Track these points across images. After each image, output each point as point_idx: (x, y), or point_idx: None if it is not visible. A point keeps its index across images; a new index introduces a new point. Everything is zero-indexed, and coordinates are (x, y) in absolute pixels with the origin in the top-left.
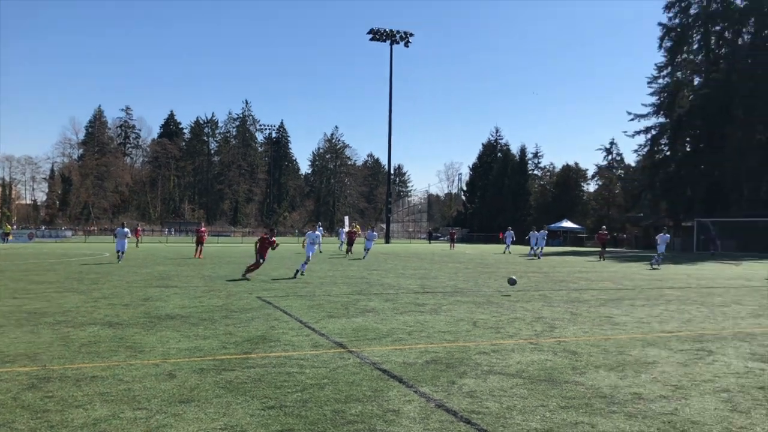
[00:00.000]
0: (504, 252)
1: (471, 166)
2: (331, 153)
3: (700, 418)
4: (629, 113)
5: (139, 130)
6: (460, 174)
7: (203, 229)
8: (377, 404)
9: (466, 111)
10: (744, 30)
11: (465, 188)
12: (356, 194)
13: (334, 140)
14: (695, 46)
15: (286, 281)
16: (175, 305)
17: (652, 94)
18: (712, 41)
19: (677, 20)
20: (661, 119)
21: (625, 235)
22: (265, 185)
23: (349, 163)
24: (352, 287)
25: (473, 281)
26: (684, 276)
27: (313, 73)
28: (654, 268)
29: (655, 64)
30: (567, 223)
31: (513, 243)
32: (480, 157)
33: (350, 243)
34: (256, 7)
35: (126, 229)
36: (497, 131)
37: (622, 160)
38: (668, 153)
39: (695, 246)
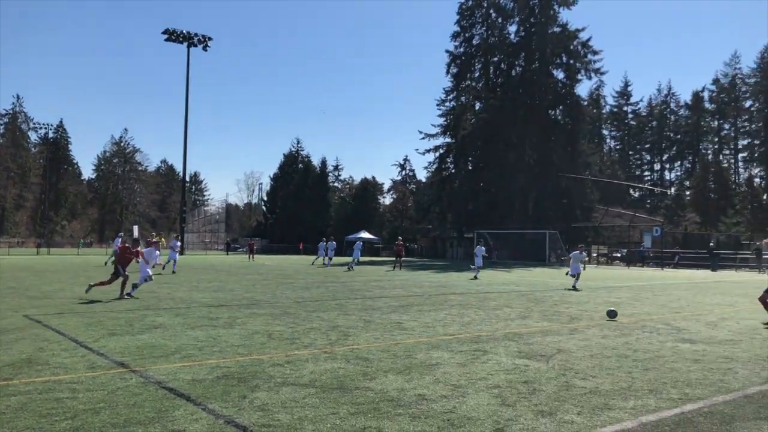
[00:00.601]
0: (316, 263)
1: (272, 177)
2: (120, 157)
3: (474, 414)
4: (421, 132)
5: None
6: (261, 184)
7: None
8: (161, 425)
9: (268, 120)
10: (516, 62)
11: (266, 198)
12: (147, 202)
13: (123, 143)
14: (477, 74)
15: (61, 298)
16: None
17: (440, 115)
18: (491, 70)
19: (462, 49)
20: (448, 139)
21: (416, 245)
22: (39, 190)
23: (140, 168)
24: (138, 302)
25: (271, 293)
26: (465, 282)
27: (98, 70)
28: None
29: (444, 89)
30: (365, 234)
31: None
32: (281, 168)
33: None
34: None
35: None
36: (298, 142)
37: (414, 175)
38: (453, 170)
39: None
